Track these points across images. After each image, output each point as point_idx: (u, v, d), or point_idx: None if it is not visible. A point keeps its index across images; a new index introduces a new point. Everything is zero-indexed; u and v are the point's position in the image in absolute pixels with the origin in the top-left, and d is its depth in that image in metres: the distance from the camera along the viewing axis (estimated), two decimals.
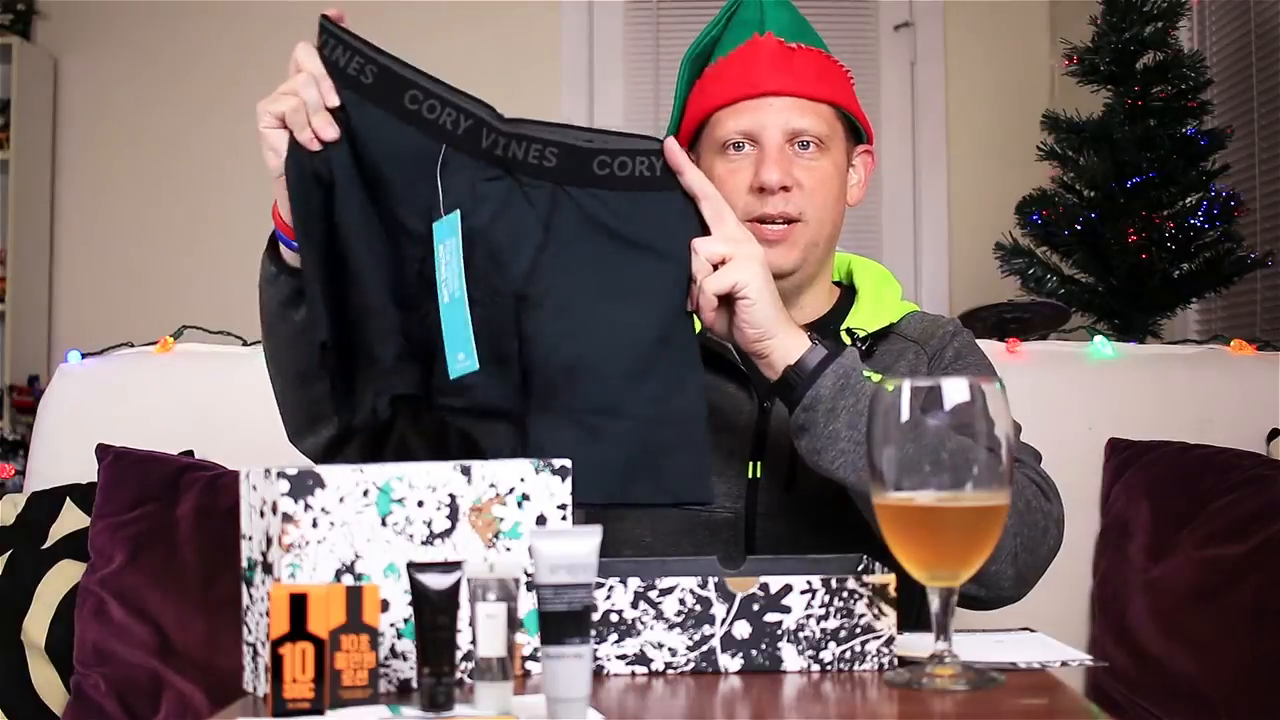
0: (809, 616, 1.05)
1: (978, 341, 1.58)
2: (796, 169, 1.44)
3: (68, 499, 1.93)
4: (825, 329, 1.51)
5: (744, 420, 1.45)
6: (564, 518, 1.05)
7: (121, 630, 1.80)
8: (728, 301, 1.26)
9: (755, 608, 1.05)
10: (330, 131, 1.21)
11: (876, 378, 1.29)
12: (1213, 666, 1.77)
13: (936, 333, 1.52)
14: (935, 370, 1.48)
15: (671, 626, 1.05)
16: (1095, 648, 1.90)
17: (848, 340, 1.47)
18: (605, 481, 1.21)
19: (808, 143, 1.45)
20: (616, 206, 1.23)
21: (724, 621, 1.05)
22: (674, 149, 1.24)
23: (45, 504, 1.93)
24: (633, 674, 1.05)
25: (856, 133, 1.53)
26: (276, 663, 0.91)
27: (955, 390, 1.00)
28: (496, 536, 1.03)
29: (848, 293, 1.57)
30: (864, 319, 1.51)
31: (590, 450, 1.19)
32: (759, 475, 1.43)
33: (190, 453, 1.97)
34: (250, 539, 1.05)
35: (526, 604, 1.02)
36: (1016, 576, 1.30)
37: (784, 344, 1.28)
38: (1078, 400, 2.06)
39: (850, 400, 1.26)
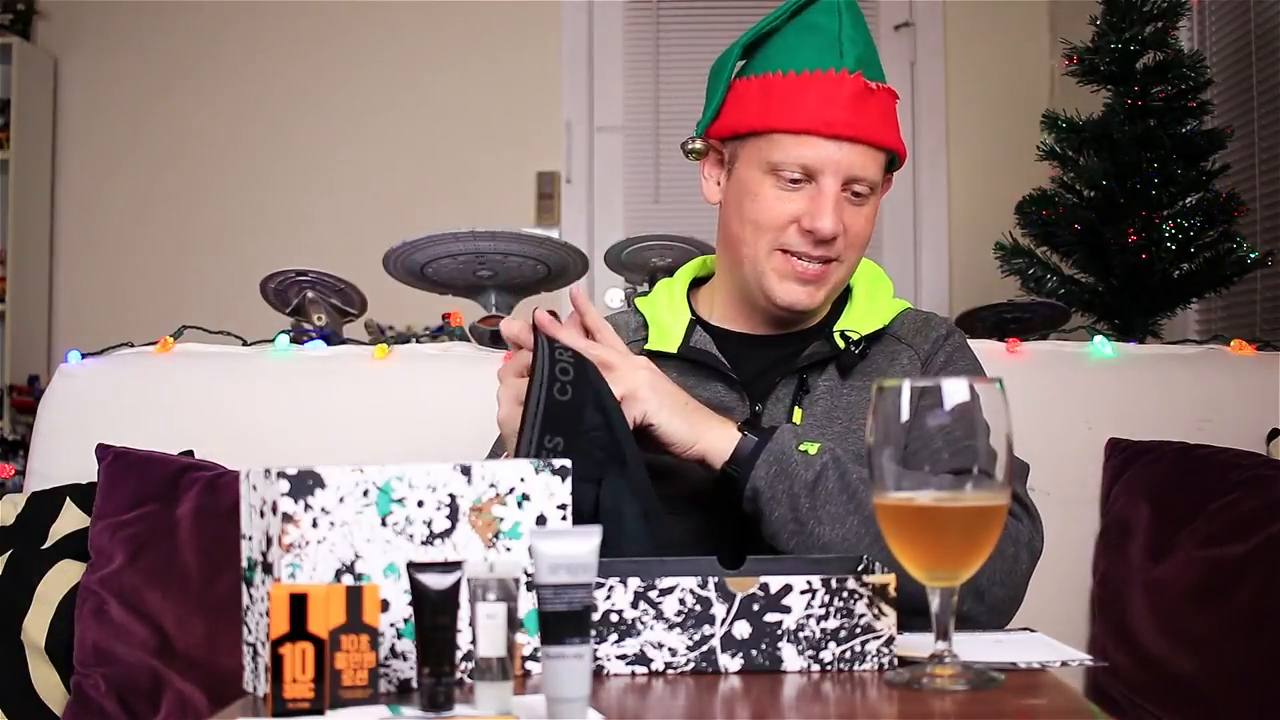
0: (809, 616, 1.05)
1: (976, 341, 1.58)
2: (845, 214, 1.43)
3: (68, 499, 1.93)
4: (823, 331, 1.51)
5: (736, 421, 1.45)
6: (564, 518, 1.05)
7: (121, 630, 1.80)
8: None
9: (755, 608, 1.05)
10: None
11: (814, 449, 1.32)
12: (1213, 666, 1.77)
13: (929, 335, 1.52)
14: (926, 375, 1.48)
15: (671, 626, 1.05)
16: (1095, 648, 1.90)
17: (842, 344, 1.47)
18: None
19: (860, 189, 1.43)
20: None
21: (724, 621, 1.05)
22: (543, 322, 1.29)
23: (45, 504, 1.93)
24: (633, 674, 1.05)
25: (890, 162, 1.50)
26: (276, 663, 0.91)
27: (955, 391, 1.00)
28: (496, 536, 1.03)
29: (843, 290, 1.56)
30: (857, 320, 1.51)
31: None
32: None
33: (190, 453, 1.97)
34: (250, 539, 1.05)
35: (526, 604, 1.02)
36: (991, 610, 1.32)
37: (712, 444, 1.32)
38: (1078, 400, 2.06)
39: (785, 484, 1.30)
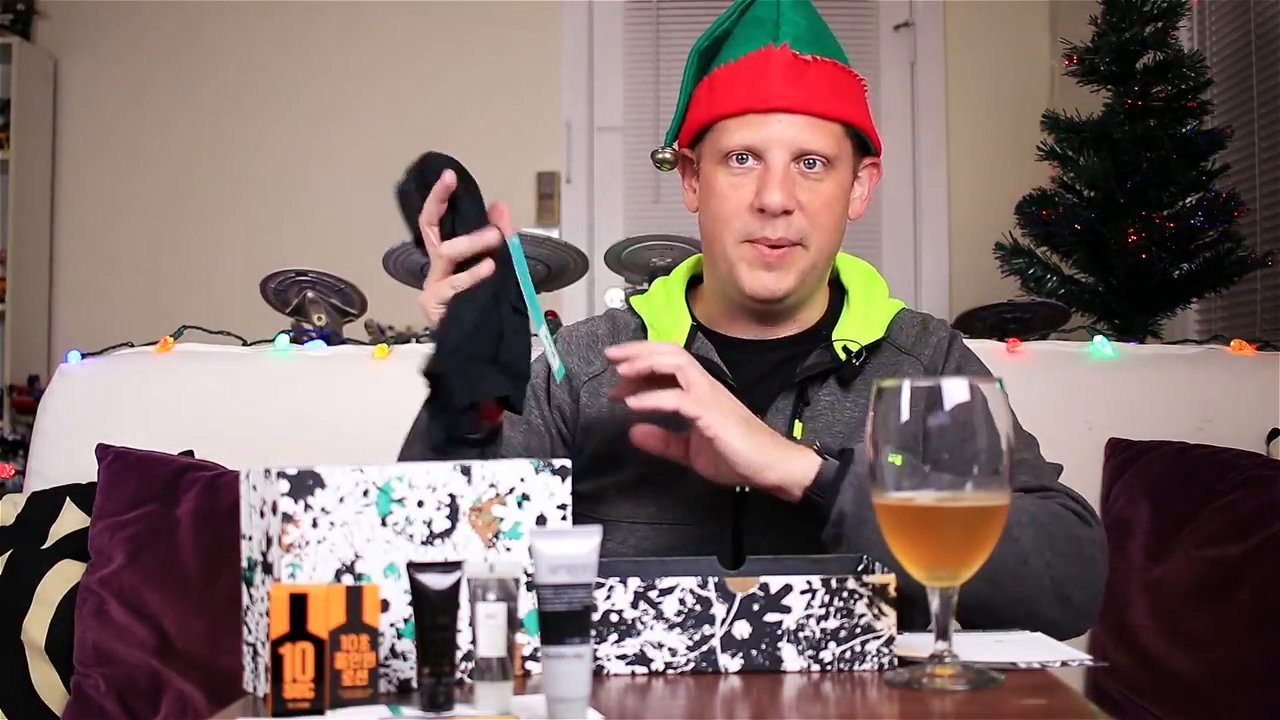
0: (809, 616, 1.05)
1: (976, 342, 1.57)
2: (800, 190, 1.40)
3: (68, 499, 1.93)
4: (819, 335, 1.49)
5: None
6: (564, 518, 1.05)
7: (121, 630, 1.80)
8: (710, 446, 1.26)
9: (755, 608, 1.05)
10: (487, 267, 1.24)
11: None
12: (1213, 666, 1.77)
13: (929, 340, 1.50)
14: None
15: (671, 626, 1.05)
16: (1095, 648, 1.90)
17: (843, 355, 1.45)
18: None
19: (814, 162, 1.41)
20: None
21: (724, 621, 1.05)
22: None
23: (45, 504, 1.93)
24: (633, 674, 1.05)
25: (864, 145, 1.48)
26: (276, 663, 0.91)
27: (956, 390, 1.00)
28: (496, 536, 1.03)
29: (837, 292, 1.54)
30: (855, 328, 1.48)
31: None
32: (747, 490, 1.38)
33: (190, 453, 1.97)
34: (250, 539, 1.05)
35: (526, 604, 1.02)
36: (1077, 614, 1.29)
37: (792, 471, 1.27)
38: (1078, 400, 2.06)
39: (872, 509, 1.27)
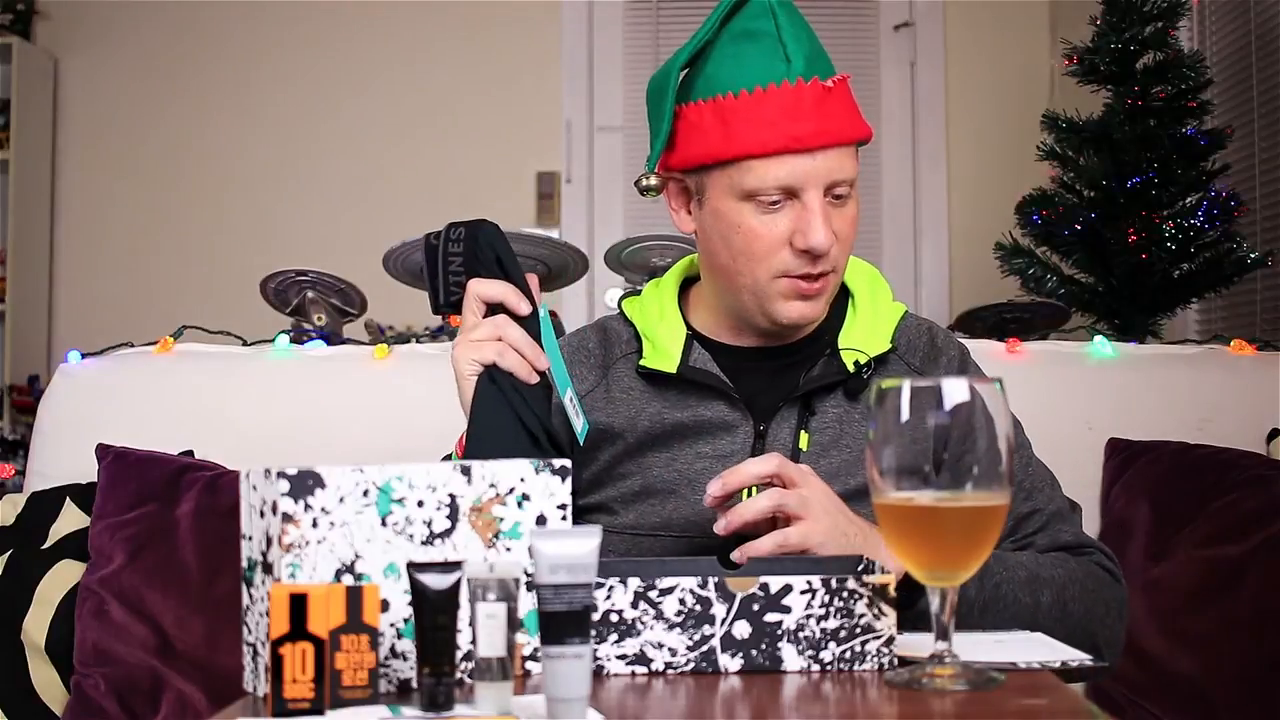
0: (809, 616, 1.05)
1: (976, 342, 1.57)
2: (834, 221, 1.37)
3: (68, 499, 1.93)
4: (820, 340, 1.47)
5: (739, 442, 1.42)
6: (564, 518, 1.05)
7: (121, 630, 1.80)
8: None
9: (755, 608, 1.05)
10: (544, 361, 1.29)
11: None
12: (1213, 666, 1.77)
13: (940, 362, 1.47)
14: None
15: (671, 626, 1.05)
16: None
17: (853, 368, 1.42)
18: None
19: (840, 192, 1.38)
20: None
21: (724, 621, 1.05)
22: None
23: (45, 504, 1.93)
24: (633, 674, 1.05)
25: None
26: (276, 663, 0.91)
27: (956, 391, 1.00)
28: (496, 536, 1.03)
29: (839, 295, 1.50)
30: (862, 336, 1.45)
31: None
32: (754, 496, 1.35)
33: (190, 453, 1.97)
34: (250, 539, 1.05)
35: (526, 604, 1.02)
36: (1110, 668, 1.39)
37: (885, 563, 1.23)
38: (1078, 400, 2.06)
39: (991, 580, 1.31)
